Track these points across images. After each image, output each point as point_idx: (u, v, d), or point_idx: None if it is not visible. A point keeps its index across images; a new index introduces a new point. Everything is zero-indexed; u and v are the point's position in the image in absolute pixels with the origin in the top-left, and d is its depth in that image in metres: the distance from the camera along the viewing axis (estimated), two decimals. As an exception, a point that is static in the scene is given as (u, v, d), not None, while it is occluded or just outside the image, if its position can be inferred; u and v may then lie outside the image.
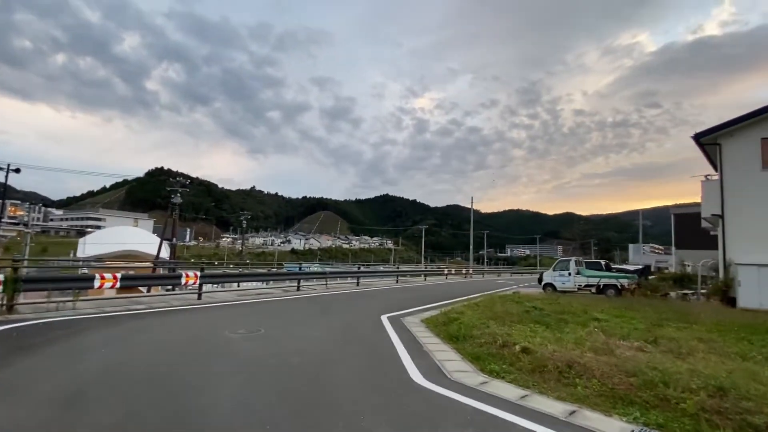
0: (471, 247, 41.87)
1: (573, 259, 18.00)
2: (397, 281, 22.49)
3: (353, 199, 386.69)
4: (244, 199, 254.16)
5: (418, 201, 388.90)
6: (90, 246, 50.09)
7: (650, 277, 20.23)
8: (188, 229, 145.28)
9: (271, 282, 15.81)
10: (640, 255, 55.20)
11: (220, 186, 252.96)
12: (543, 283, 18.55)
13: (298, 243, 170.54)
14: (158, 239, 31.37)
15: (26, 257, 28.73)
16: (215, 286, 13.89)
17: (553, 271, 18.18)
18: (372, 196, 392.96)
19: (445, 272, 28.96)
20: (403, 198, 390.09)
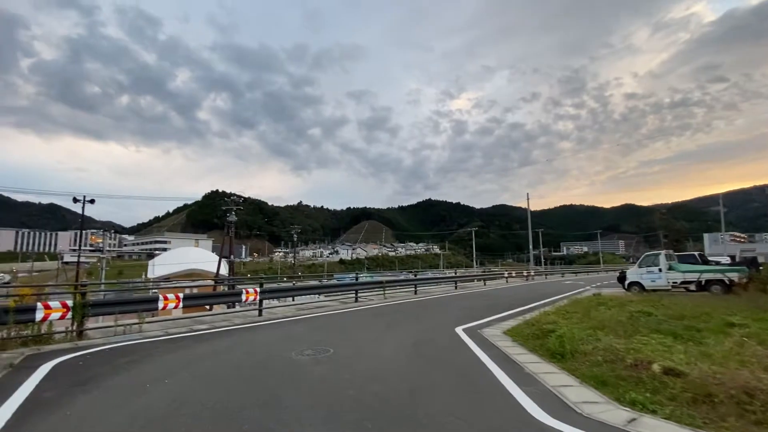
0: (531, 246, 39.15)
1: (663, 252, 15.66)
2: (455, 287, 21.15)
3: (396, 206, 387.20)
4: (293, 214, 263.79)
5: (462, 204, 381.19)
6: (158, 267, 53.75)
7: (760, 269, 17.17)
8: (243, 246, 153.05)
9: (324, 294, 15.25)
10: (720, 245, 48.61)
11: (270, 204, 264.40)
12: (627, 282, 16.35)
13: (345, 253, 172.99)
14: (217, 257, 32.49)
15: (102, 281, 30.91)
16: (273, 300, 13.54)
17: (639, 267, 15.94)
18: (414, 202, 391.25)
19: (506, 275, 27.03)
20: (446, 202, 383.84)
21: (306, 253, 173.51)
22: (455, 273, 24.22)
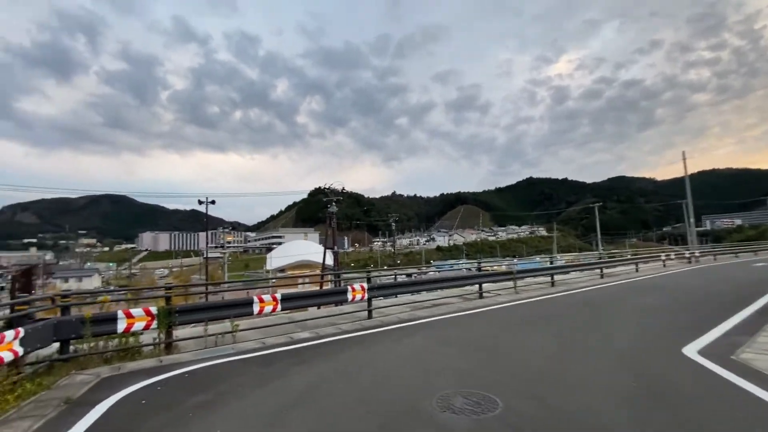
0: (690, 219, 30.61)
1: None
2: (601, 275, 16.63)
3: (492, 188, 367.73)
4: (387, 204, 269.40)
5: (569, 179, 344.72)
6: (275, 259, 58.29)
7: None
8: (345, 238, 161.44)
9: (440, 288, 12.68)
10: None
11: (366, 196, 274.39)
12: None
13: (442, 240, 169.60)
14: (333, 250, 32.50)
15: (225, 280, 33.14)
16: (381, 299, 11.50)
17: None
18: (513, 182, 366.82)
19: (662, 258, 20.99)
20: (549, 179, 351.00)
21: (403, 241, 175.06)
22: (599, 258, 19.40)
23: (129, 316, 5.90)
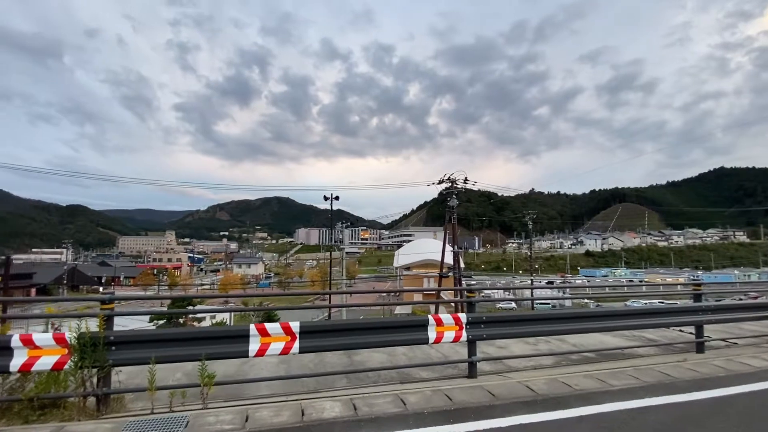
0: None
1: None
2: None
3: (663, 182, 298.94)
4: (524, 202, 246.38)
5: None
6: (402, 257, 57.12)
7: None
8: (476, 238, 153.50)
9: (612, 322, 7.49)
10: None
11: (499, 194, 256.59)
12: None
13: (592, 244, 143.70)
14: (451, 249, 29.03)
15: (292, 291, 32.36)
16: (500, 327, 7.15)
17: None
18: (694, 174, 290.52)
19: None
20: (751, 168, 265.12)
21: (542, 243, 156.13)
22: None
23: (30, 344, 3.49)
